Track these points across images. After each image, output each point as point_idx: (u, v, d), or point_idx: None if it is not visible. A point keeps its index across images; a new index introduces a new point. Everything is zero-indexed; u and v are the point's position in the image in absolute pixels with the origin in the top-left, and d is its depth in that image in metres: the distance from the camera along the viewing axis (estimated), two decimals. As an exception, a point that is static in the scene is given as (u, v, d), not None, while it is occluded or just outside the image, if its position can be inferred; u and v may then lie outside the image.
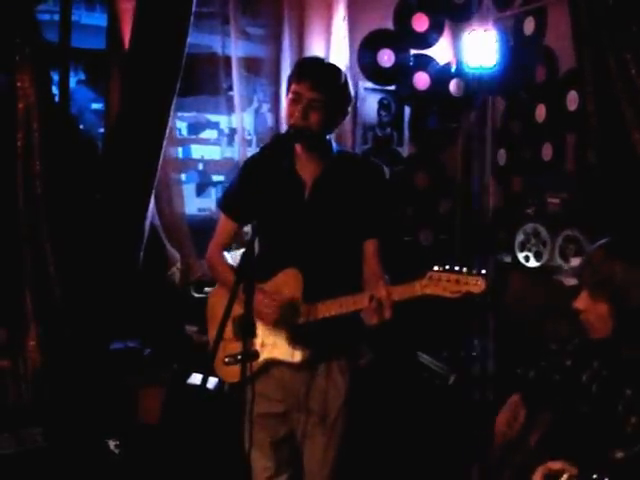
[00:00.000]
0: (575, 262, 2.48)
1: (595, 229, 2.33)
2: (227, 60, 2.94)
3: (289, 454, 1.76)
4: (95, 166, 2.69)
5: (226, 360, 1.71)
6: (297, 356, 1.64)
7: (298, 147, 1.68)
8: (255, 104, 3.10)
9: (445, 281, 1.46)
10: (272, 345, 1.67)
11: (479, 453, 1.58)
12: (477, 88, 3.15)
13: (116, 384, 2.46)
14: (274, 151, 1.65)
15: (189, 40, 2.55)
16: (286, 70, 2.89)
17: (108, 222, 2.58)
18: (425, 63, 3.19)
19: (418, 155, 3.26)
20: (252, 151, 2.98)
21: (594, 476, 1.20)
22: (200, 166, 3.18)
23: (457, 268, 1.46)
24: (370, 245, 1.68)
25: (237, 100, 2.94)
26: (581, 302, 1.35)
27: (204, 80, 2.98)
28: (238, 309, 1.51)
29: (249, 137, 3.07)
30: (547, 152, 2.82)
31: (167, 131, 2.61)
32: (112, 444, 2.28)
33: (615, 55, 2.02)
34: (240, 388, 1.52)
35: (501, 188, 3.11)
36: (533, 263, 2.73)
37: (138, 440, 2.34)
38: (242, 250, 1.83)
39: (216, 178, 3.17)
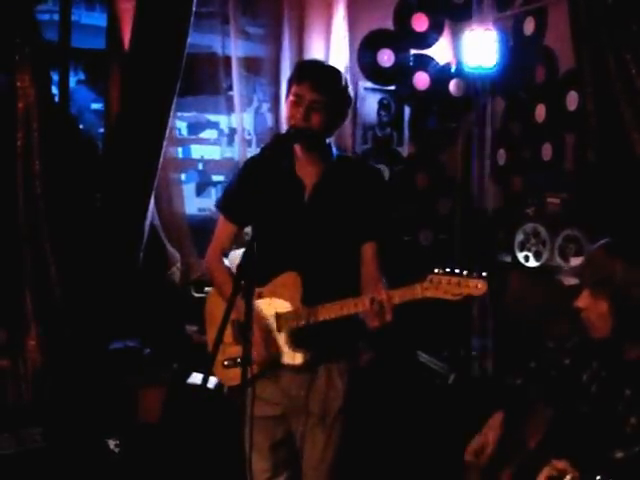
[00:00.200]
0: (575, 262, 2.48)
1: (595, 229, 2.34)
2: (227, 60, 2.94)
3: (287, 455, 1.77)
4: (95, 166, 2.69)
5: (225, 363, 1.71)
6: (298, 359, 1.64)
7: (298, 149, 1.68)
8: (255, 104, 3.10)
9: (446, 284, 1.46)
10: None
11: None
12: (477, 88, 3.15)
13: (116, 384, 2.46)
14: (274, 152, 1.65)
15: (189, 40, 2.55)
16: (286, 70, 2.90)
17: (108, 222, 2.58)
18: (425, 63, 3.19)
19: (418, 155, 3.26)
20: (252, 151, 2.98)
21: (597, 477, 1.20)
22: (200, 166, 3.18)
23: (458, 271, 1.46)
24: (368, 248, 1.68)
25: (237, 100, 2.94)
26: (582, 301, 1.35)
27: (204, 80, 2.98)
28: (237, 312, 1.51)
29: (249, 137, 3.07)
30: (547, 152, 2.82)
31: (167, 131, 2.61)
32: (112, 444, 2.28)
33: (614, 55, 2.03)
34: (239, 391, 1.52)
35: (501, 188, 3.11)
36: (533, 263, 2.73)
37: (138, 440, 2.34)
38: (242, 250, 1.82)
39: (216, 178, 3.17)
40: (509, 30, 2.99)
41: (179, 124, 3.07)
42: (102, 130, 2.85)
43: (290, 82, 1.66)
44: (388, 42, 3.13)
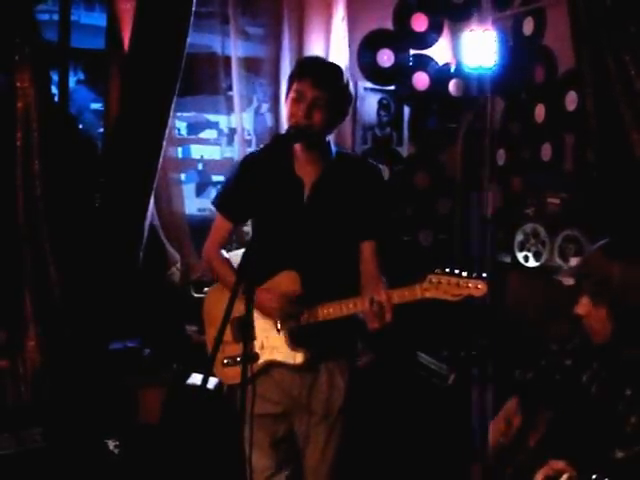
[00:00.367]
0: (574, 262, 2.48)
1: (594, 229, 2.34)
2: (227, 60, 2.94)
3: (288, 452, 1.77)
4: (94, 166, 2.68)
5: (225, 362, 1.71)
6: (298, 358, 1.64)
7: (298, 147, 1.67)
8: (255, 104, 3.10)
9: (446, 284, 1.46)
10: (272, 347, 1.67)
11: (479, 453, 1.58)
12: (476, 88, 3.15)
13: (116, 384, 2.45)
14: (273, 151, 1.65)
15: (189, 40, 2.55)
16: (286, 70, 2.90)
17: (108, 222, 2.58)
18: (424, 63, 3.20)
19: (418, 155, 3.26)
20: (252, 151, 2.97)
21: (593, 476, 1.20)
22: (200, 166, 3.17)
23: (457, 271, 1.46)
24: (368, 247, 1.67)
25: (237, 100, 2.94)
26: (582, 308, 1.34)
27: (204, 80, 2.98)
28: (237, 311, 1.51)
29: (249, 137, 3.07)
30: (546, 152, 2.82)
31: (167, 131, 2.61)
32: (112, 444, 2.27)
33: (614, 56, 2.03)
34: (239, 389, 1.52)
35: (500, 188, 3.11)
36: (532, 263, 2.74)
37: (138, 440, 2.33)
38: (242, 250, 1.82)
39: (216, 178, 3.17)
40: (508, 30, 2.99)
41: (179, 124, 3.07)
42: (102, 130, 2.85)
43: (291, 79, 1.64)
44: (388, 42, 3.13)
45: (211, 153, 3.17)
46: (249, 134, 3.08)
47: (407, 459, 2.35)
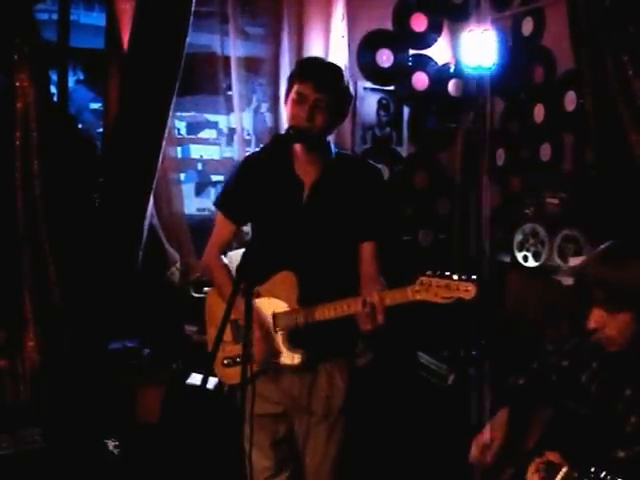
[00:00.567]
0: (573, 262, 2.49)
1: (593, 229, 2.34)
2: (226, 60, 2.94)
3: (289, 453, 1.77)
4: (94, 166, 2.68)
5: (225, 362, 1.71)
6: (296, 359, 1.64)
7: (298, 148, 1.67)
8: (254, 104, 3.10)
9: (436, 287, 1.45)
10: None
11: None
12: (476, 88, 3.15)
13: (115, 384, 2.45)
14: (273, 151, 1.65)
15: (188, 40, 2.55)
16: (285, 70, 2.90)
17: (107, 222, 2.58)
18: (424, 63, 3.20)
19: (417, 155, 3.26)
20: (251, 151, 2.97)
21: (592, 469, 1.20)
22: (199, 166, 3.17)
23: (448, 273, 1.45)
24: (367, 248, 1.67)
25: (236, 100, 2.94)
26: (595, 321, 1.29)
27: (203, 80, 2.98)
28: (237, 311, 1.51)
29: (248, 137, 3.07)
30: (545, 152, 2.82)
31: (166, 131, 2.61)
32: (111, 444, 2.27)
33: (612, 56, 2.03)
34: (239, 390, 1.52)
35: (500, 188, 3.12)
36: (532, 263, 2.74)
37: (137, 440, 2.33)
38: (242, 250, 1.82)
39: (215, 178, 3.17)
40: (507, 30, 3.00)
41: (178, 124, 3.07)
42: (101, 130, 2.85)
43: (291, 80, 1.64)
44: (387, 42, 3.13)
45: (210, 153, 3.17)
46: (248, 134, 3.08)
47: (407, 459, 2.35)
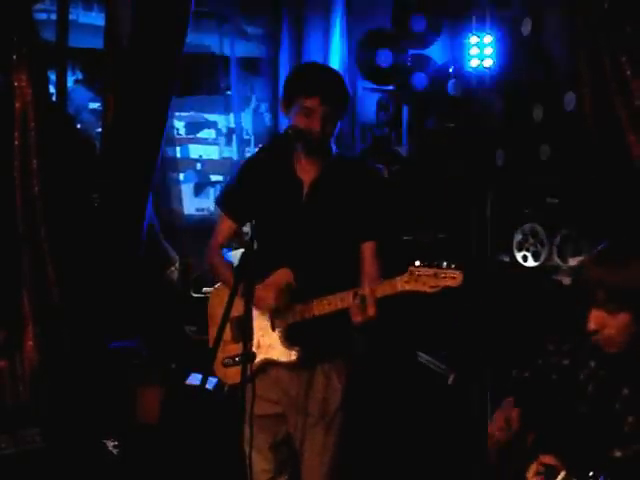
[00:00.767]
0: (573, 262, 2.49)
1: (592, 229, 2.34)
2: (225, 59, 2.94)
3: (288, 455, 1.77)
4: (93, 166, 2.68)
5: (225, 362, 1.71)
6: (293, 355, 1.65)
7: (300, 150, 1.68)
8: (253, 103, 3.11)
9: (424, 276, 1.48)
10: (268, 346, 1.68)
11: (479, 453, 1.58)
12: (475, 88, 3.15)
13: (114, 384, 2.45)
14: (273, 151, 1.66)
15: (187, 39, 2.55)
16: (284, 70, 2.90)
17: (106, 222, 2.58)
18: (423, 63, 3.20)
19: (416, 155, 3.27)
20: (250, 150, 2.99)
21: (590, 473, 1.20)
22: (198, 166, 3.18)
23: (436, 263, 1.48)
24: (368, 247, 1.69)
25: (235, 100, 2.94)
26: (594, 322, 1.29)
27: (202, 79, 2.99)
28: (237, 311, 1.51)
29: (247, 137, 3.07)
30: (544, 152, 2.83)
31: (165, 131, 2.61)
32: (110, 444, 2.27)
33: (610, 56, 2.03)
34: (239, 390, 1.53)
35: (499, 188, 3.12)
36: (531, 263, 2.74)
37: (136, 440, 2.33)
38: (242, 250, 1.82)
39: (214, 178, 3.17)
40: (507, 30, 3.00)
41: (177, 124, 3.07)
42: (100, 130, 2.85)
43: (294, 91, 1.65)
44: (386, 42, 3.13)
45: (210, 153, 3.18)
46: (248, 134, 3.08)
47: (407, 459, 2.35)
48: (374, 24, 3.12)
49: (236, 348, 1.66)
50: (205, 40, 2.96)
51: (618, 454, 1.26)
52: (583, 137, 2.37)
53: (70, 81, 2.91)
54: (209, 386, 2.13)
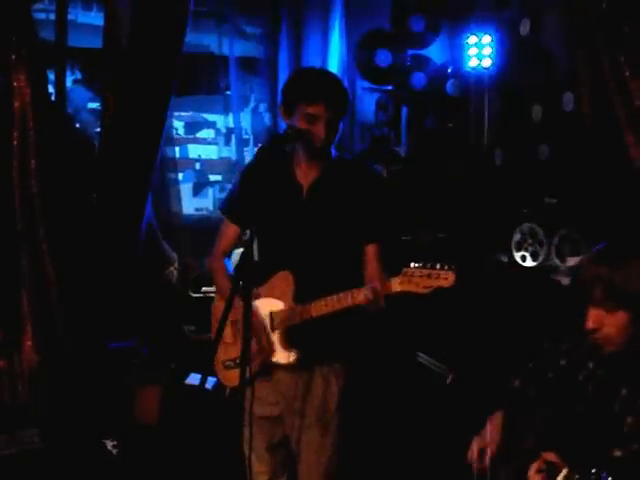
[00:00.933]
0: (571, 262, 2.49)
1: (591, 229, 2.34)
2: (224, 59, 2.95)
3: (285, 458, 1.77)
4: (92, 165, 2.68)
5: (226, 364, 1.72)
6: (292, 357, 1.65)
7: (300, 152, 1.68)
8: (252, 103, 3.11)
9: (418, 277, 1.49)
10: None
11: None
12: (474, 88, 3.16)
13: (113, 384, 2.45)
14: (274, 152, 1.66)
15: (186, 39, 2.55)
16: (283, 69, 2.90)
17: (105, 221, 2.58)
18: (422, 63, 3.20)
19: (415, 155, 3.27)
20: (249, 150, 2.98)
21: (592, 470, 1.20)
22: (197, 166, 3.18)
23: (430, 264, 1.50)
24: (370, 249, 1.69)
25: (234, 99, 2.94)
26: (593, 321, 1.30)
27: (201, 79, 2.99)
28: (237, 313, 1.51)
29: (246, 136, 3.08)
30: (543, 152, 2.83)
31: (164, 131, 2.61)
32: (109, 444, 2.27)
33: (609, 57, 2.04)
34: (239, 392, 1.53)
35: (498, 188, 3.12)
36: (530, 263, 2.74)
37: (136, 440, 2.33)
38: (241, 249, 1.82)
39: (213, 178, 3.17)
40: (505, 31, 3.00)
41: (176, 124, 3.07)
42: (99, 129, 2.85)
43: (295, 97, 1.64)
44: (385, 42, 3.14)
45: (209, 153, 3.18)
46: (247, 133, 3.09)
47: (406, 459, 2.35)
48: (373, 24, 3.13)
49: (237, 350, 1.66)
50: (204, 40, 2.96)
51: (618, 454, 1.26)
52: (582, 137, 2.37)
53: (69, 81, 2.91)
54: (208, 386, 2.13)
